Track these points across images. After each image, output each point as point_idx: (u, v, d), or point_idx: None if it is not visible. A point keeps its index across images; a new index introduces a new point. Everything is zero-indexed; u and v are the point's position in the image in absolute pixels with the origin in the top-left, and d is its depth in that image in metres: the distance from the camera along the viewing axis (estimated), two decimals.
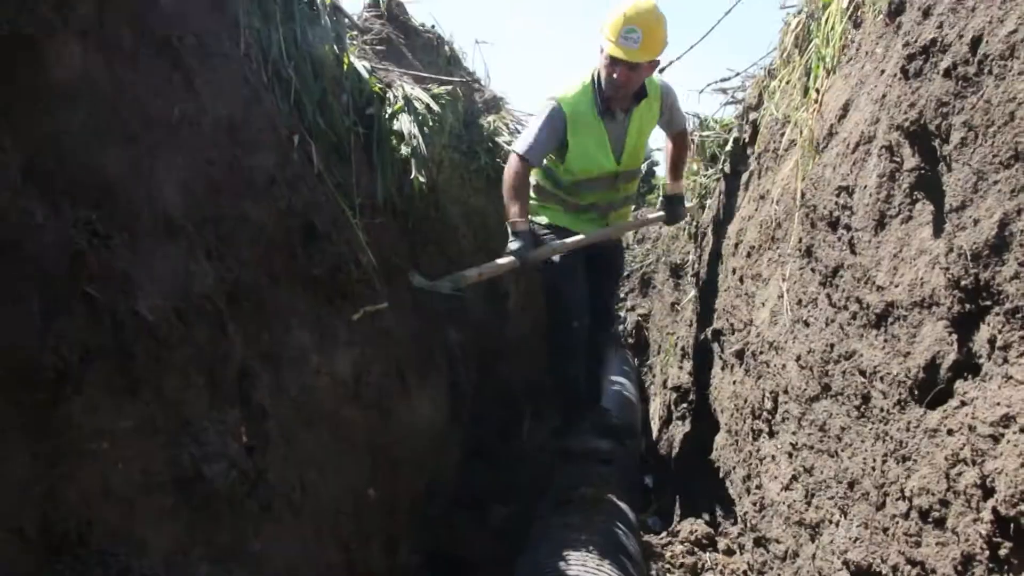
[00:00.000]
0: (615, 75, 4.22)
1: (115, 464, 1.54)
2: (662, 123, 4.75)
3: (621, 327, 9.71)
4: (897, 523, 2.06)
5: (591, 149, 4.46)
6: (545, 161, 4.57)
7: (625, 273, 9.55)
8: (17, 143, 1.46)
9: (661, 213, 5.27)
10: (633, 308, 9.93)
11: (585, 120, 4.41)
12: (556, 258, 4.58)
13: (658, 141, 12.35)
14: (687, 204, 5.37)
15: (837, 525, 2.51)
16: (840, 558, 2.41)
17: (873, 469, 2.25)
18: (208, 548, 1.82)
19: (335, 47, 3.71)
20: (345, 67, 3.76)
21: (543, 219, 4.77)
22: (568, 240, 4.62)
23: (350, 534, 2.72)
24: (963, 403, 1.82)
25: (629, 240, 10.26)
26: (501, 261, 4.33)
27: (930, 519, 1.89)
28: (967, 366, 1.84)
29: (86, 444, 1.47)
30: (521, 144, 4.43)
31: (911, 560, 1.97)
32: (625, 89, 4.31)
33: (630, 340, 9.66)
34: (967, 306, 1.79)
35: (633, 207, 5.49)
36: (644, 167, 6.32)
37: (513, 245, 4.29)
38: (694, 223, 6.66)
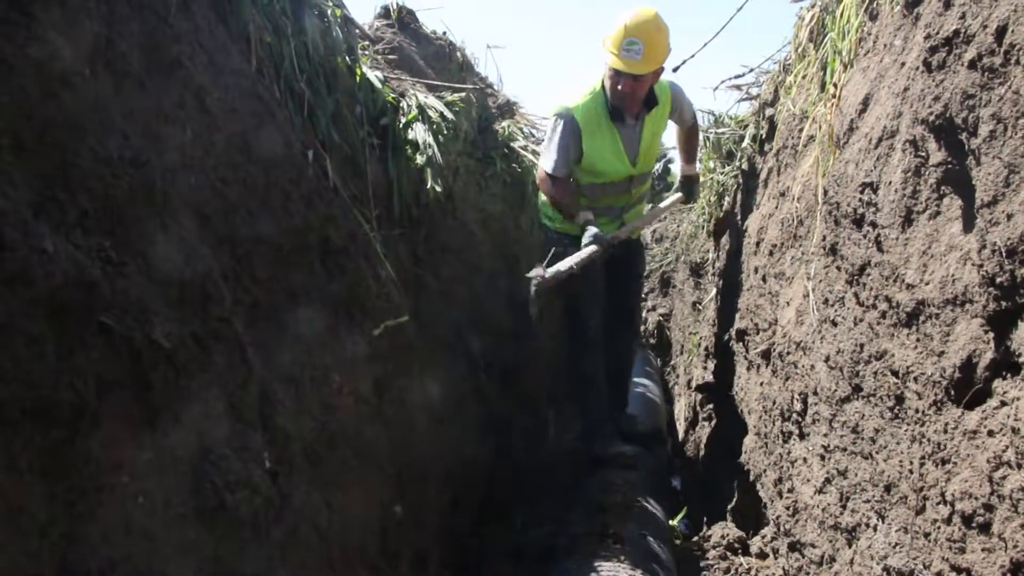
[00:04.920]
0: (619, 86, 4.29)
1: (136, 498, 1.51)
2: (673, 118, 4.79)
3: (643, 327, 9.68)
4: (939, 528, 2.00)
5: (606, 153, 4.50)
6: None
7: (645, 273, 9.54)
8: (27, 177, 1.43)
9: (679, 195, 5.36)
10: (654, 308, 9.89)
11: (597, 126, 4.47)
12: None
13: (668, 134, 12.30)
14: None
15: (875, 530, 2.45)
16: (880, 564, 2.35)
17: (911, 472, 2.19)
18: None
19: (347, 58, 3.69)
20: (358, 78, 3.74)
21: (558, 225, 4.81)
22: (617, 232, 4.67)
23: (378, 554, 2.69)
24: (1003, 403, 1.77)
25: (647, 239, 10.23)
26: (585, 252, 4.39)
27: (974, 524, 1.84)
28: (1006, 365, 1.78)
29: (105, 479, 1.44)
30: (546, 162, 4.55)
31: (956, 567, 1.92)
32: (631, 98, 4.35)
33: (652, 340, 9.63)
34: (1003, 303, 1.74)
35: (648, 204, 5.52)
36: (659, 167, 6.32)
37: (590, 233, 4.41)
38: (712, 221, 6.62)
